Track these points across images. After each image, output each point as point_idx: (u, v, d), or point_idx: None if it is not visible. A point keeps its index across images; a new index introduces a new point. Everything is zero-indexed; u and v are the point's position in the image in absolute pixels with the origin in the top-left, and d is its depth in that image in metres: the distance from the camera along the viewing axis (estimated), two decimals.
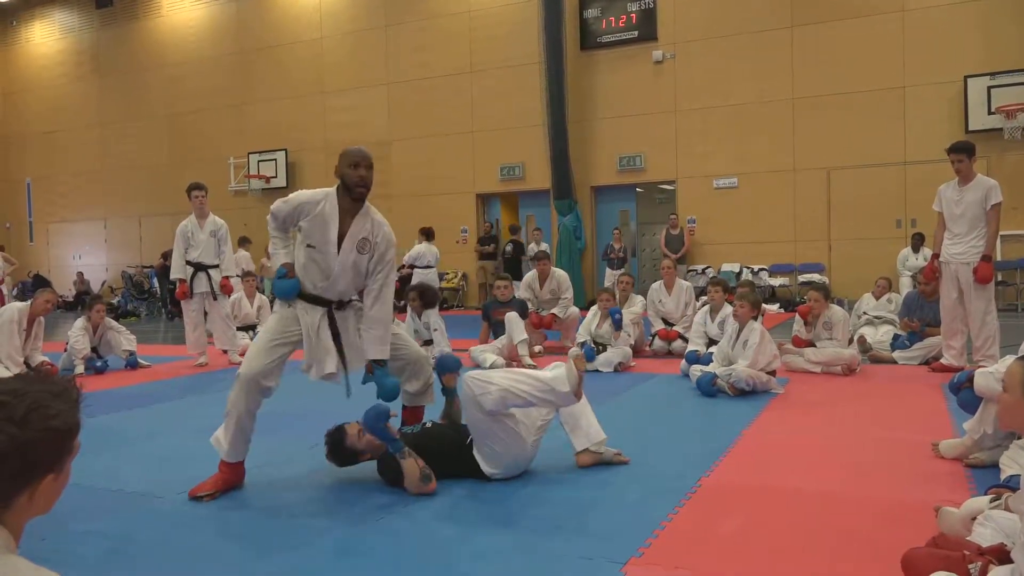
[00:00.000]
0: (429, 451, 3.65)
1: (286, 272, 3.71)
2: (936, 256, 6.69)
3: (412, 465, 3.55)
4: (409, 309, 7.70)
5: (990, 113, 12.34)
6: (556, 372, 3.70)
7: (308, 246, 3.69)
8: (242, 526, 3.25)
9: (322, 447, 3.88)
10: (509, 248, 14.80)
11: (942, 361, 6.66)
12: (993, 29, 12.61)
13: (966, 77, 12.58)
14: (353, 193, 3.66)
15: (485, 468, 3.68)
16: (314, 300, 3.74)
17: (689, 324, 7.73)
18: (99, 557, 2.93)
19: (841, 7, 13.54)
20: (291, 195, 3.80)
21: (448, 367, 4.11)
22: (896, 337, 7.62)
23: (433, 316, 7.54)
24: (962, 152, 6.44)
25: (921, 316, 7.44)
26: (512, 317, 7.58)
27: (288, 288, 3.70)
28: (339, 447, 3.76)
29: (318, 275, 3.71)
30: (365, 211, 3.74)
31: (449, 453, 3.71)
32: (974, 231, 6.41)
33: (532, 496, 3.47)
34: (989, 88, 12.40)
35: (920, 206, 12.82)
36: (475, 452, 3.69)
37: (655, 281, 8.74)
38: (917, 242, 12.42)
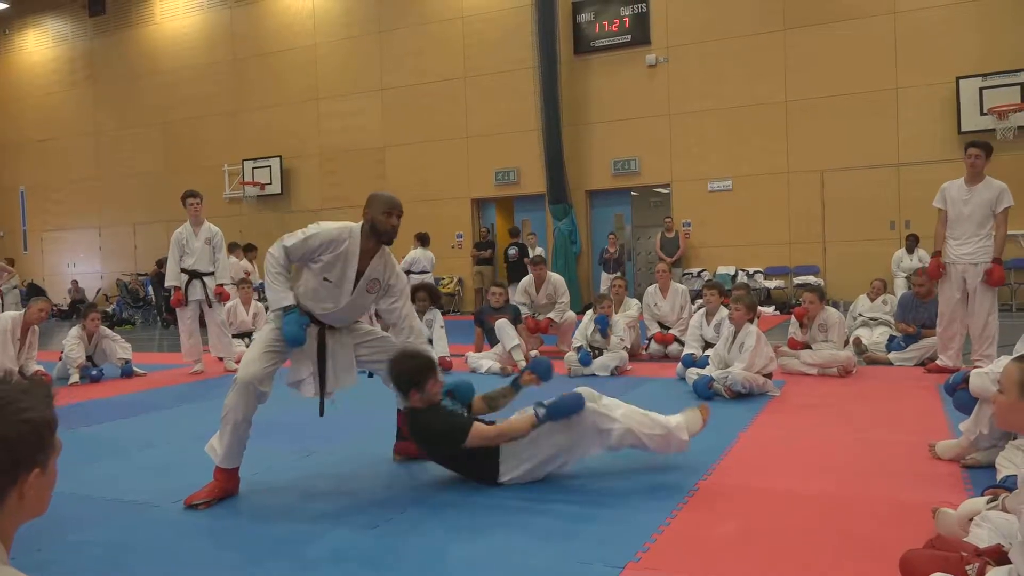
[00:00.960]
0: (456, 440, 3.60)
1: (298, 317, 3.66)
2: (939, 254, 6.59)
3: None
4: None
5: (982, 114, 12.40)
6: (678, 418, 3.77)
7: (324, 279, 3.70)
8: (238, 534, 3.24)
9: (316, 455, 3.91)
10: (513, 251, 14.77)
11: (937, 362, 6.67)
12: (984, 30, 12.67)
13: (958, 78, 12.64)
14: (383, 238, 3.74)
15: (506, 473, 3.61)
16: (310, 319, 3.77)
17: (685, 327, 7.73)
18: (96, 567, 2.92)
19: (832, 10, 13.60)
20: (311, 231, 3.72)
21: (541, 373, 3.96)
22: (892, 338, 7.63)
23: (437, 315, 7.72)
24: (981, 148, 6.36)
25: (916, 317, 7.45)
26: (502, 324, 7.59)
27: (300, 335, 3.65)
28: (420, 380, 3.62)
29: (326, 301, 3.74)
30: (382, 253, 3.82)
31: (474, 450, 3.61)
32: (981, 231, 6.34)
33: (527, 501, 3.46)
34: (981, 89, 12.46)
35: (914, 207, 12.89)
36: (501, 457, 3.61)
37: (650, 285, 8.75)
38: (911, 243, 12.46)
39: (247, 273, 12.05)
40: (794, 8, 13.85)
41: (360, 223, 3.76)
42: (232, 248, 13.35)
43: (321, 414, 3.87)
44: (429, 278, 12.69)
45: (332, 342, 3.82)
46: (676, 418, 3.79)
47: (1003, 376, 2.38)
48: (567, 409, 3.58)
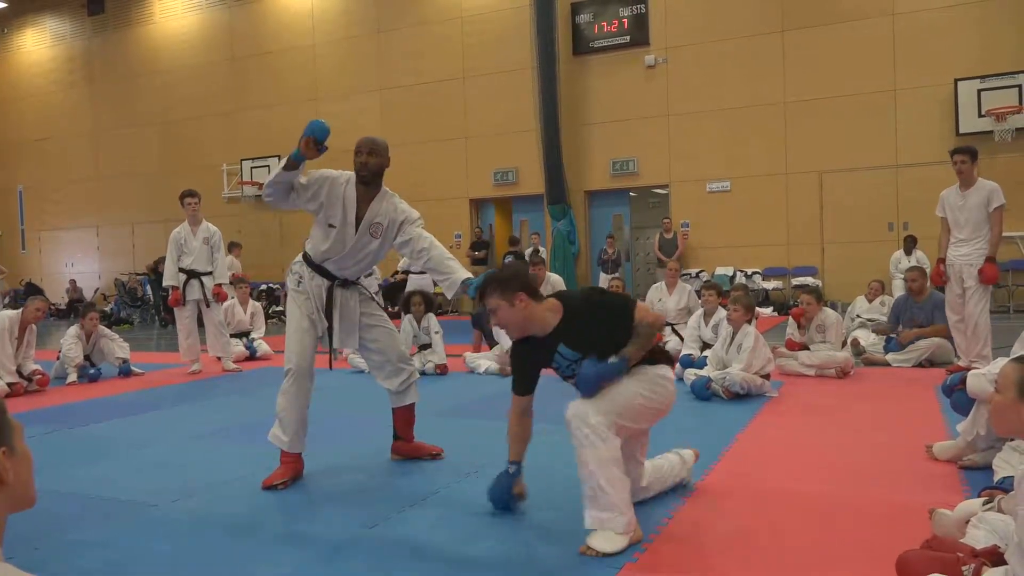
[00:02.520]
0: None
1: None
2: (941, 261, 6.58)
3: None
4: (409, 314, 7.75)
5: (980, 116, 12.43)
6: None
7: (329, 226, 3.87)
8: (235, 533, 3.24)
9: (313, 455, 3.95)
10: (509, 260, 14.76)
11: (959, 363, 6.57)
12: (982, 32, 12.69)
13: (956, 80, 12.66)
14: (357, 178, 3.87)
15: None
16: (322, 272, 3.96)
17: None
18: (93, 566, 2.91)
19: (831, 11, 13.61)
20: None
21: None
22: (889, 339, 7.63)
23: (432, 320, 7.68)
24: (965, 153, 6.39)
25: (911, 317, 7.45)
26: None
27: (322, 125, 3.72)
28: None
29: (333, 246, 3.89)
30: (381, 196, 3.95)
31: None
32: (978, 234, 6.36)
33: (525, 501, 3.47)
34: (979, 91, 12.48)
35: (912, 208, 12.91)
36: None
37: (655, 283, 8.80)
38: (910, 244, 12.46)
39: (247, 277, 12.01)
40: (792, 9, 13.86)
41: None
42: (230, 247, 13.26)
43: (330, 367, 4.09)
44: (428, 278, 12.66)
45: (339, 297, 4.00)
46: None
47: (1000, 376, 2.37)
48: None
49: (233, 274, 11.83)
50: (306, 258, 4.02)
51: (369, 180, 3.88)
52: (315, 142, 3.67)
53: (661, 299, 8.41)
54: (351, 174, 3.90)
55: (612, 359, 3.02)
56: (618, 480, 2.89)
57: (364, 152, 3.87)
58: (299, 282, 3.99)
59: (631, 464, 3.15)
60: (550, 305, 3.13)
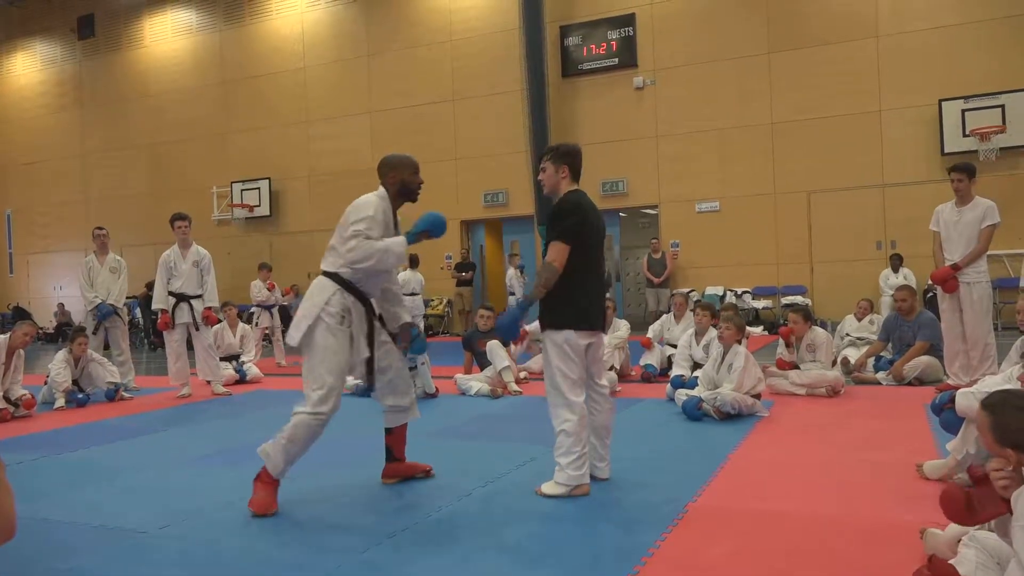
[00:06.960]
0: None
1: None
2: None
3: None
4: None
5: (965, 135, 12.58)
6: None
7: None
8: (226, 560, 3.21)
9: (302, 479, 3.90)
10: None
11: (948, 382, 6.60)
12: (965, 54, 12.87)
13: (940, 101, 12.83)
14: (412, 197, 3.96)
15: None
16: (361, 297, 3.88)
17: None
18: None
19: (817, 34, 13.79)
20: (367, 212, 3.80)
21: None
22: (879, 358, 7.67)
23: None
24: (962, 172, 6.41)
25: (901, 336, 7.50)
26: (493, 345, 7.57)
27: (439, 219, 3.85)
28: None
29: (381, 270, 3.89)
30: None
31: None
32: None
33: (515, 524, 3.45)
34: (963, 111, 12.65)
35: (899, 227, 13.03)
36: None
37: (645, 301, 8.79)
38: (896, 263, 12.57)
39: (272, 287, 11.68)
40: (778, 32, 14.04)
41: (380, 190, 3.94)
42: (259, 268, 12.56)
43: (369, 393, 4.10)
44: (419, 299, 12.67)
45: (378, 328, 4.01)
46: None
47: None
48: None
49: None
50: (342, 282, 3.80)
51: (417, 199, 4.01)
52: (428, 235, 3.88)
53: (669, 328, 8.46)
54: (383, 194, 3.92)
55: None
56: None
57: (419, 172, 4.04)
58: (343, 318, 3.77)
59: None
60: None
